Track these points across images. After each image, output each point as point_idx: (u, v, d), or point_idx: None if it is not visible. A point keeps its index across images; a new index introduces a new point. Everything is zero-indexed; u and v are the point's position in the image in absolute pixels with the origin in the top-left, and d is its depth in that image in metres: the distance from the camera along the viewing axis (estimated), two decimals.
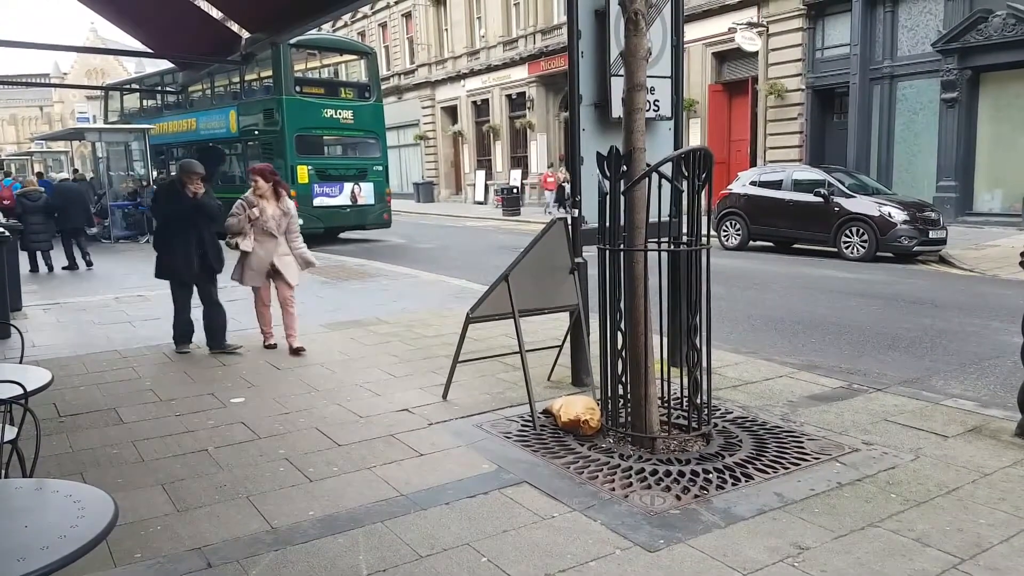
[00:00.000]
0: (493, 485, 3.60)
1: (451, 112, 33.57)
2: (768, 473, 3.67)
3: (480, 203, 30.56)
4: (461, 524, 3.22)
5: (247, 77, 17.82)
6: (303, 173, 16.41)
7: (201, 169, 6.28)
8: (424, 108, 34.70)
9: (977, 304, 8.51)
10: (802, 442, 4.07)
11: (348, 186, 17.15)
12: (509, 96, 29.81)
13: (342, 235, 18.17)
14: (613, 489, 3.51)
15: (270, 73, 16.69)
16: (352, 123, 17.38)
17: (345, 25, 37.22)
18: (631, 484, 3.55)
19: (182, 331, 6.56)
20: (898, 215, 12.05)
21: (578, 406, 4.27)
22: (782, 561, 2.85)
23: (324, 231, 16.88)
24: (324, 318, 7.86)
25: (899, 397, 4.87)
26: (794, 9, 18.78)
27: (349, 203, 17.22)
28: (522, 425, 4.41)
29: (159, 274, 6.40)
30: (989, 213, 15.81)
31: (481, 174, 31.50)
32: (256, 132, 17.34)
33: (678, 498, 3.40)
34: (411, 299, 8.92)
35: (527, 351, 4.66)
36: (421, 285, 10.15)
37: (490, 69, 30.16)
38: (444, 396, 4.90)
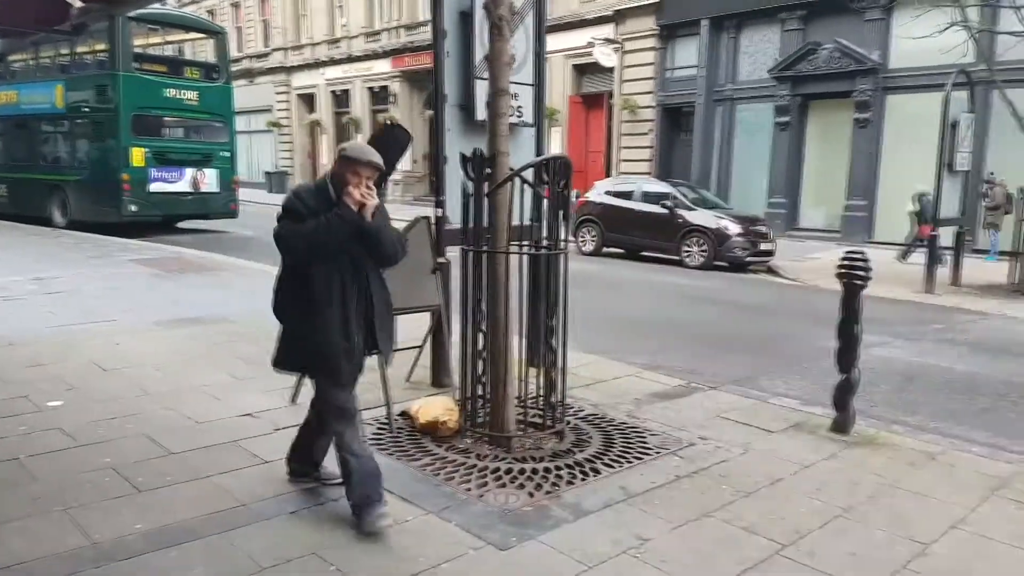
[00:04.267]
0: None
1: (308, 100, 32.40)
2: (614, 467, 3.86)
3: None
4: (309, 533, 3.12)
5: (79, 49, 16.21)
6: (138, 156, 15.16)
7: (378, 160, 3.11)
8: (279, 94, 33.24)
9: (800, 311, 9.42)
10: (645, 437, 4.32)
11: (190, 171, 16.04)
12: (371, 89, 29.24)
13: (182, 224, 16.99)
14: (469, 489, 3.54)
15: (105, 46, 15.27)
16: (197, 105, 16.29)
17: (193, 1, 34.85)
18: (487, 484, 3.60)
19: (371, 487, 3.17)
20: (733, 228, 13.10)
21: (437, 408, 4.27)
22: (625, 552, 3.01)
23: (162, 219, 15.75)
24: (158, 315, 7.28)
25: (732, 395, 5.30)
26: (648, 29, 19.89)
27: (190, 190, 16.11)
28: (378, 428, 4.34)
29: (291, 363, 3.34)
30: (813, 228, 17.55)
31: None
32: (86, 109, 15.81)
33: (531, 495, 3.50)
34: (260, 296, 8.44)
35: None
36: (270, 281, 9.68)
37: (352, 59, 29.44)
38: (293, 400, 4.72)
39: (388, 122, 4.44)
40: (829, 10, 16.15)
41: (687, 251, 13.40)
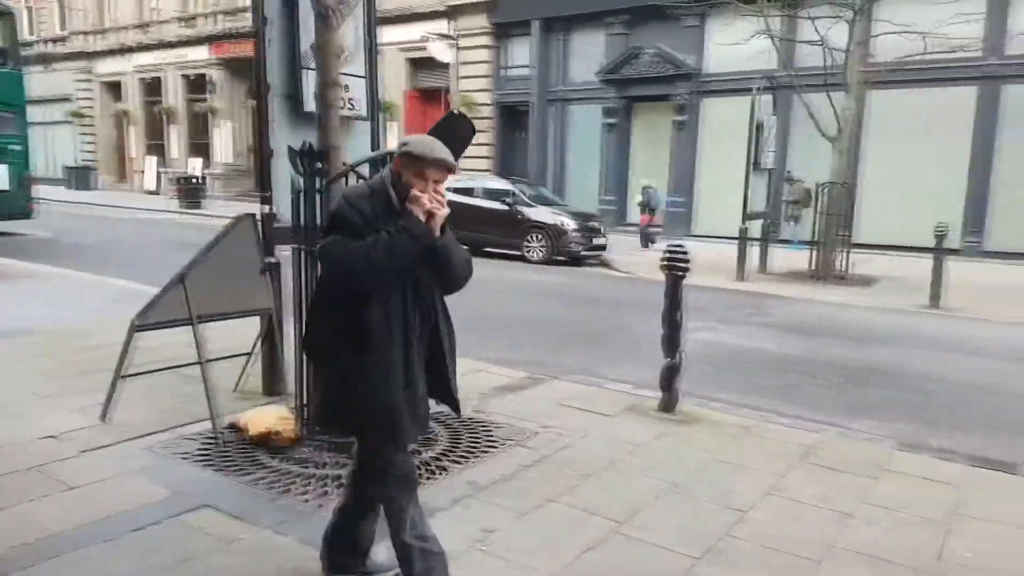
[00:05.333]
0: (168, 513, 3.26)
1: (115, 89, 29.71)
2: (462, 463, 3.90)
3: (153, 193, 27.48)
4: (130, 561, 2.87)
5: None
6: None
7: (450, 158, 2.47)
8: (80, 82, 30.18)
9: (632, 301, 10.01)
10: (492, 431, 4.40)
11: None
12: (187, 77, 27.34)
13: None
14: (308, 500, 3.42)
15: None
16: None
17: None
18: (328, 493, 3.49)
19: (354, 547, 2.79)
20: (570, 224, 13.68)
21: (270, 417, 4.08)
22: (472, 547, 3.05)
23: None
24: None
25: (573, 384, 5.53)
26: (481, 27, 20.21)
27: None
28: (204, 443, 4.07)
29: (342, 421, 2.59)
30: (638, 225, 18.70)
31: (153, 160, 28.38)
32: None
33: None
34: (63, 304, 7.67)
35: (211, 360, 4.32)
36: (76, 288, 8.80)
37: (164, 46, 27.35)
38: (103, 417, 4.31)
39: (456, 112, 3.34)
40: (651, 16, 17.25)
41: (528, 246, 13.80)
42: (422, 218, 2.34)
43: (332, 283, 2.45)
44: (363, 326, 2.37)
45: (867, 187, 15.02)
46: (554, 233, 13.56)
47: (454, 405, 2.68)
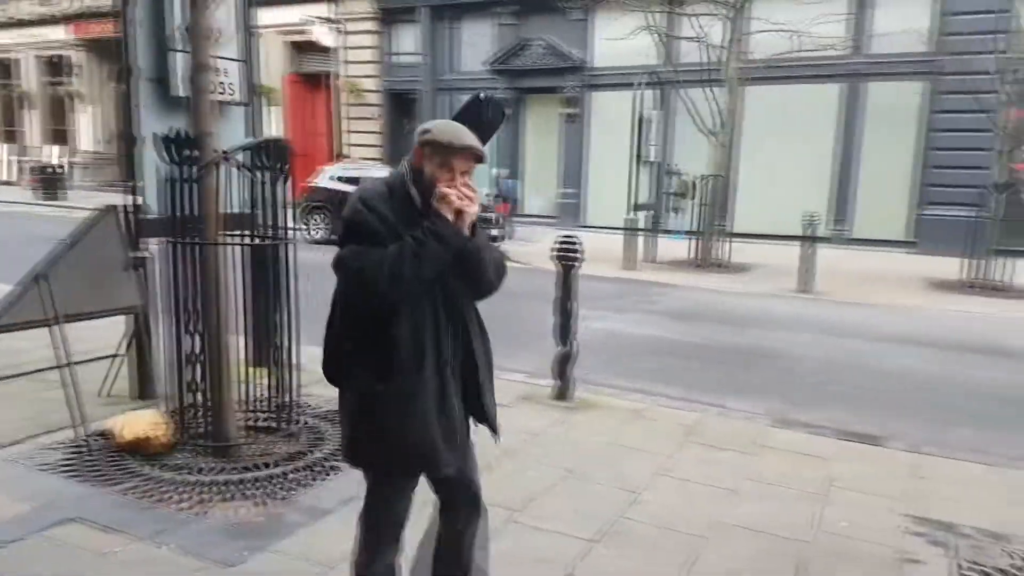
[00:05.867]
0: (30, 529, 3.00)
1: None
2: None
3: (8, 183, 25.18)
4: None
5: None
6: None
7: (479, 145, 2.17)
8: None
9: (528, 291, 10.07)
10: None
11: None
12: (45, 59, 25.18)
13: None
14: (185, 508, 3.24)
15: None
16: None
17: None
18: (208, 499, 3.32)
19: None
20: None
21: (143, 422, 3.82)
22: None
23: None
24: None
25: None
26: (367, 11, 19.76)
27: None
28: (69, 453, 3.76)
29: (368, 456, 2.24)
30: (537, 215, 18.92)
31: (5, 148, 26.05)
32: None
33: (263, 504, 3.30)
34: None
35: (75, 363, 3.99)
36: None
37: (20, 24, 25.07)
38: None
39: (481, 95, 2.72)
40: (539, 8, 17.42)
41: None
42: (451, 217, 2.04)
43: (351, 299, 2.13)
44: (389, 348, 2.07)
45: (743, 179, 15.83)
46: None
47: (492, 428, 2.39)
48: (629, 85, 13.99)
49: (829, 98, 15.28)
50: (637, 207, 12.83)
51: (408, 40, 19.86)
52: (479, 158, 2.13)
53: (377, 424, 2.12)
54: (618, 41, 14.25)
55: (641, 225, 13.06)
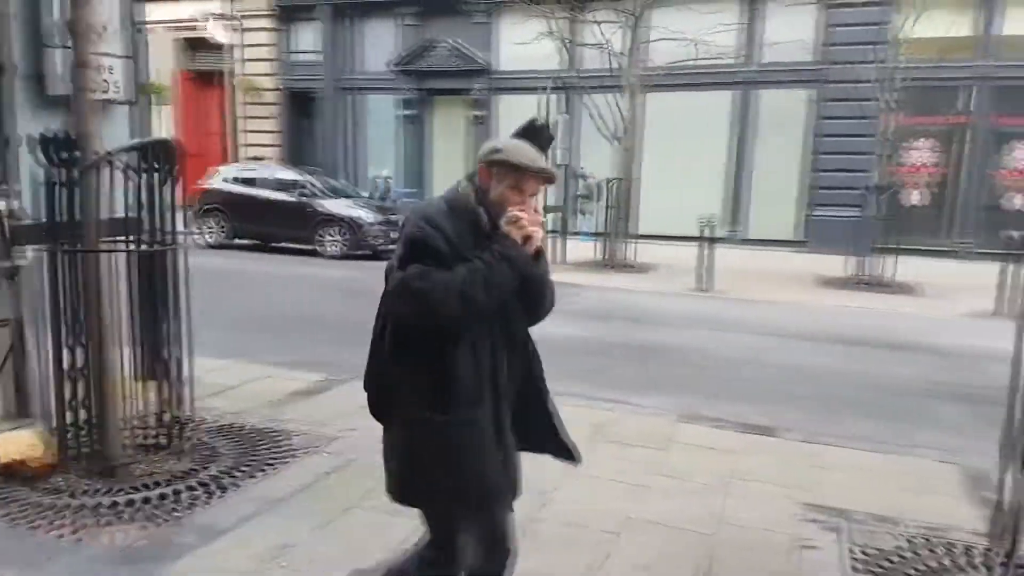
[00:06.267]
0: None
1: None
2: (256, 477, 3.66)
3: None
4: None
5: None
6: None
7: (551, 169, 2.19)
8: None
9: None
10: (289, 439, 4.17)
11: None
12: None
13: None
14: (62, 536, 3.02)
15: None
16: None
17: None
18: (91, 524, 3.11)
19: None
20: (371, 217, 13.43)
21: (17, 443, 3.54)
22: (270, 565, 2.87)
23: None
24: None
25: None
26: (264, 8, 19.15)
27: None
28: None
29: (426, 493, 2.12)
30: None
31: None
32: None
33: (152, 526, 3.12)
34: None
35: None
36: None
37: None
38: None
39: (536, 119, 2.40)
40: (443, 10, 17.37)
41: (323, 241, 13.35)
42: (519, 241, 2.00)
43: (408, 324, 1.99)
44: (449, 377, 1.97)
45: (646, 182, 16.30)
46: (352, 227, 13.23)
47: (571, 456, 2.34)
48: (535, 89, 14.15)
49: (723, 105, 15.97)
50: (546, 209, 13.00)
51: (308, 38, 19.38)
52: (549, 180, 2.11)
53: (434, 459, 2.01)
54: (523, 45, 14.40)
55: (550, 227, 13.23)
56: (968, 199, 14.68)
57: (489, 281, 1.93)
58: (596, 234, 13.61)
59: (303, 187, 13.73)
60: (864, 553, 3.14)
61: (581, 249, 13.50)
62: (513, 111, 17.51)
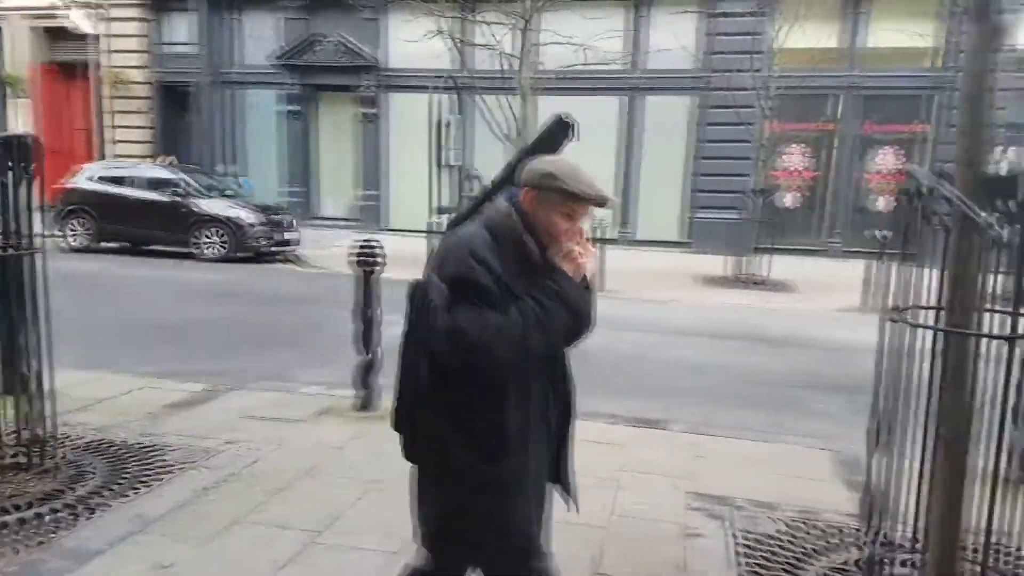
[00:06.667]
0: None
1: None
2: (128, 496, 3.45)
3: None
4: None
5: None
6: None
7: (606, 195, 1.95)
8: None
9: (327, 298, 9.78)
10: (165, 455, 3.96)
11: None
12: None
13: None
14: None
15: None
16: None
17: None
18: None
19: None
20: (252, 217, 12.93)
21: None
22: None
23: None
24: None
25: (261, 392, 5.22)
26: None
27: None
28: None
29: (462, 544, 1.96)
30: (332, 217, 18.38)
31: None
32: None
33: (16, 552, 2.89)
34: None
35: None
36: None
37: None
38: None
39: (567, 119, 2.02)
40: (329, 4, 16.96)
41: (202, 242, 12.74)
42: (569, 269, 1.87)
43: (456, 370, 1.80)
44: (497, 424, 1.83)
45: None
46: (233, 228, 12.71)
47: (571, 492, 2.18)
48: (426, 88, 14.09)
49: (612, 110, 16.48)
50: (440, 210, 12.97)
51: (182, 29, 18.44)
52: (602, 206, 1.94)
53: (473, 513, 1.88)
54: (413, 43, 14.30)
55: (446, 229, 13.20)
56: (838, 201, 15.81)
57: (545, 325, 1.79)
58: None
59: (176, 186, 13.05)
60: (747, 538, 3.32)
61: None
62: (404, 109, 17.37)
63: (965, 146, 2.52)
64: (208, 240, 12.76)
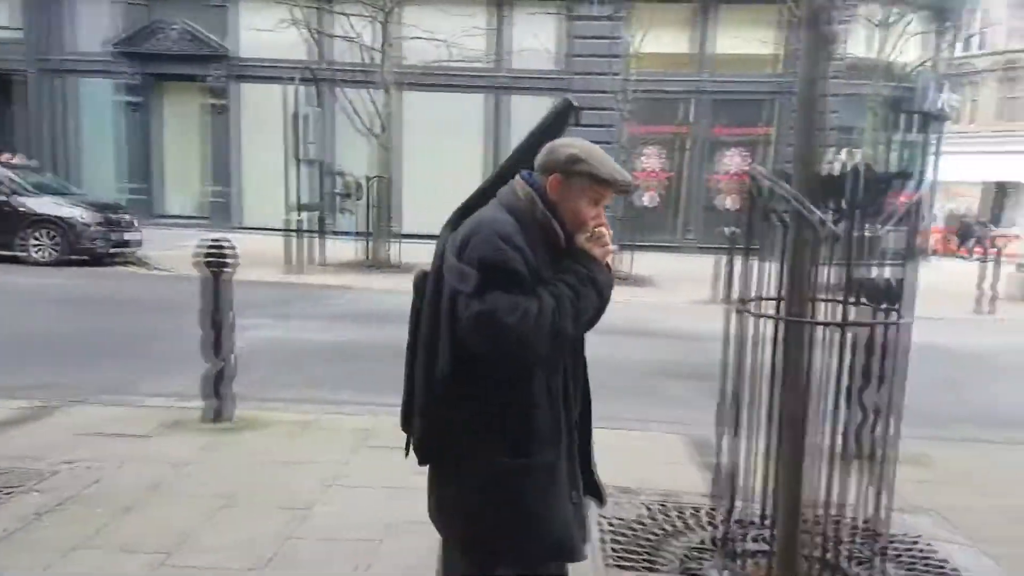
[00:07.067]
0: None
1: None
2: None
3: None
4: None
5: None
6: None
7: (631, 180, 1.96)
8: None
9: (173, 302, 9.20)
10: None
11: None
12: None
13: None
14: None
15: None
16: None
17: None
18: None
19: None
20: (89, 216, 11.97)
21: None
22: None
23: None
24: None
25: (101, 407, 4.85)
26: None
27: None
28: None
29: (498, 554, 1.78)
30: (179, 215, 17.35)
31: None
32: None
33: None
34: None
35: None
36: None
37: None
38: None
39: (574, 103, 2.02)
40: None
41: (33, 245, 11.67)
42: (595, 256, 1.82)
43: (480, 360, 1.71)
44: (526, 416, 1.76)
45: (408, 181, 16.45)
46: (68, 228, 11.71)
47: (599, 496, 2.12)
48: (281, 79, 13.60)
49: (478, 108, 16.65)
50: (300, 207, 12.55)
51: (2, 12, 16.76)
52: (627, 192, 1.95)
53: (508, 512, 1.78)
54: (266, 32, 13.75)
55: (305, 226, 12.80)
56: (691, 200, 16.80)
57: (578, 310, 1.76)
58: (359, 234, 13.42)
59: (5, 184, 11.85)
60: (611, 524, 3.45)
61: (342, 249, 13.24)
62: (258, 101, 16.70)
63: (801, 148, 2.74)
64: (37, 242, 11.69)
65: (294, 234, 12.04)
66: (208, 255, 4.53)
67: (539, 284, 1.73)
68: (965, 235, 23.31)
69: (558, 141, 1.91)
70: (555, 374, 1.83)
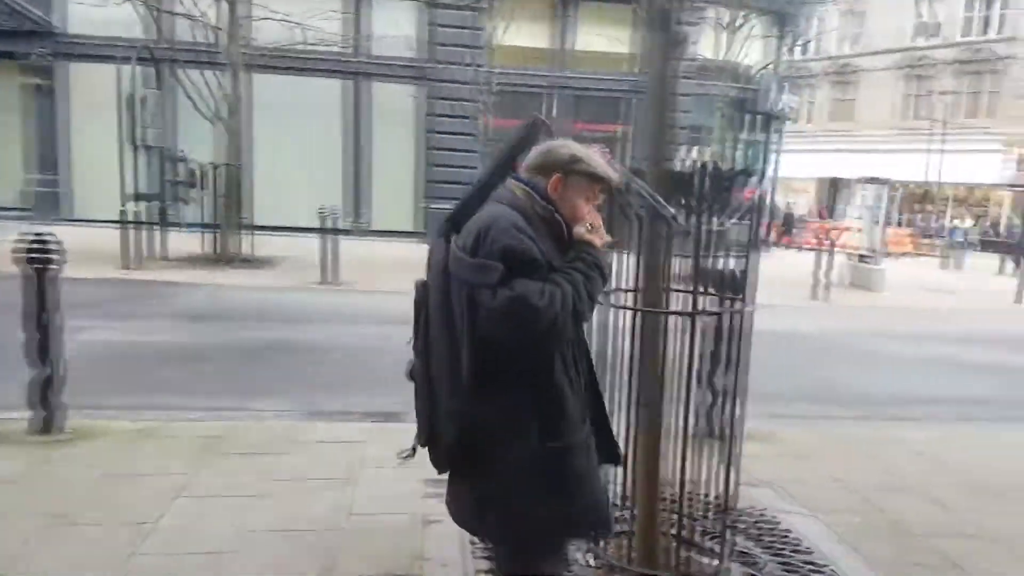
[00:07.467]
0: None
1: None
2: None
3: None
4: None
5: None
6: None
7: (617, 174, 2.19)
8: None
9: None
10: None
11: None
12: None
13: None
14: None
15: None
16: None
17: None
18: None
19: None
20: None
21: None
22: None
23: None
24: None
25: None
26: None
27: None
28: None
29: (540, 537, 2.00)
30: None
31: None
32: None
33: None
34: None
35: None
36: None
37: None
38: None
39: (543, 119, 2.08)
40: None
41: None
42: (599, 245, 2.00)
43: (498, 346, 1.82)
44: (555, 400, 1.90)
45: (259, 169, 15.76)
46: None
47: (618, 460, 2.35)
48: (115, 58, 12.62)
49: (334, 93, 16.21)
50: (138, 197, 11.71)
51: None
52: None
53: (545, 494, 1.90)
54: (97, 8, 12.71)
55: (144, 218, 11.96)
56: None
57: (590, 293, 1.92)
58: (205, 226, 12.70)
59: None
60: None
61: (186, 242, 12.48)
62: (89, 82, 15.46)
63: (653, 146, 2.87)
64: None
65: (131, 226, 11.19)
66: (30, 251, 4.13)
67: (551, 273, 1.87)
68: (789, 225, 25.66)
69: (554, 143, 2.07)
70: (568, 361, 1.96)
